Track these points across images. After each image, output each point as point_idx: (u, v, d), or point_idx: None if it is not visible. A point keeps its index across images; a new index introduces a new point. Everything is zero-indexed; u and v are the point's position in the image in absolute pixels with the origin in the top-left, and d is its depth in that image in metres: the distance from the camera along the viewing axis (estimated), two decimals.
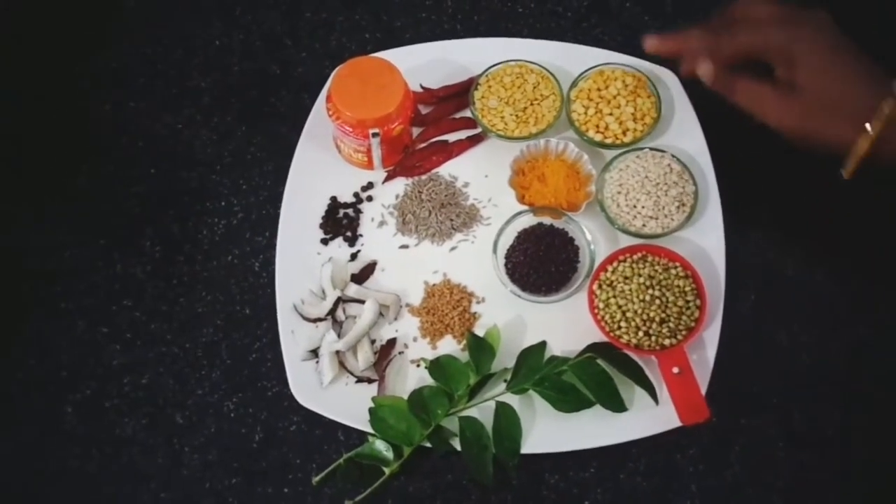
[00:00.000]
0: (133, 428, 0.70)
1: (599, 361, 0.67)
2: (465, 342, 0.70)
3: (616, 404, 0.66)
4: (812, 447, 0.68)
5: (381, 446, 0.66)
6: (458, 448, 0.66)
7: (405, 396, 0.67)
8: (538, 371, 0.67)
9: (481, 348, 0.68)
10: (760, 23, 0.62)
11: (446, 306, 0.72)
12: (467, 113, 0.77)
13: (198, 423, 0.70)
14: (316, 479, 0.67)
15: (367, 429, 0.67)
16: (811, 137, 0.61)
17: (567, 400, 0.66)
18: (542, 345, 0.69)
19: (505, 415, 0.67)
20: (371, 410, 0.67)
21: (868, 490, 0.68)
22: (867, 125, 0.58)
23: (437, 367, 0.68)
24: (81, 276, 0.74)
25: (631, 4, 0.84)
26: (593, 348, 0.68)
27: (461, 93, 0.77)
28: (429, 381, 0.69)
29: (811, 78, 0.60)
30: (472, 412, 0.67)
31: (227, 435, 0.69)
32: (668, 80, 0.77)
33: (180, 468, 0.68)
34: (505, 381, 0.69)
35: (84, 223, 0.76)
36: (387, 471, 0.66)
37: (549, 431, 0.67)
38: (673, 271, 0.69)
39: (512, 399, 0.67)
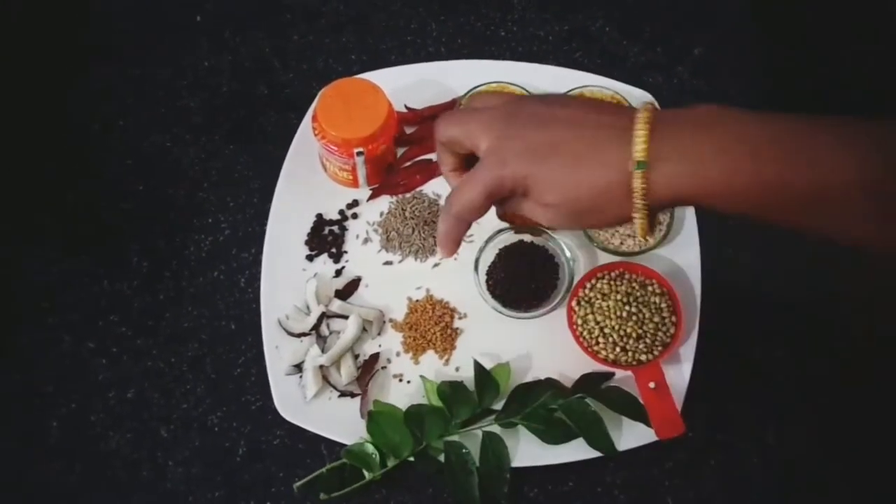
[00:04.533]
0: (117, 442, 0.70)
1: (588, 401, 0.67)
2: (447, 357, 0.71)
3: (606, 446, 0.66)
4: (786, 463, 0.69)
5: (369, 449, 0.67)
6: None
7: None
8: (528, 407, 0.67)
9: (487, 384, 0.68)
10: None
11: (429, 322, 0.73)
12: None
13: (182, 437, 0.70)
14: (297, 484, 0.67)
15: (350, 442, 0.68)
16: (590, 220, 0.51)
17: (554, 433, 0.67)
18: (541, 383, 0.69)
19: (493, 446, 0.67)
20: (370, 413, 0.68)
21: None
22: (629, 161, 0.47)
23: (449, 388, 0.68)
24: (68, 291, 0.75)
25: (610, 29, 0.86)
26: (584, 383, 0.68)
27: None
28: (412, 397, 0.70)
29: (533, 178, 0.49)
30: (456, 437, 0.68)
31: (210, 448, 0.70)
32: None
33: (164, 482, 0.69)
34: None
35: (71, 238, 0.77)
36: (368, 476, 0.66)
37: (528, 446, 0.68)
38: (650, 288, 0.71)
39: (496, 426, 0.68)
